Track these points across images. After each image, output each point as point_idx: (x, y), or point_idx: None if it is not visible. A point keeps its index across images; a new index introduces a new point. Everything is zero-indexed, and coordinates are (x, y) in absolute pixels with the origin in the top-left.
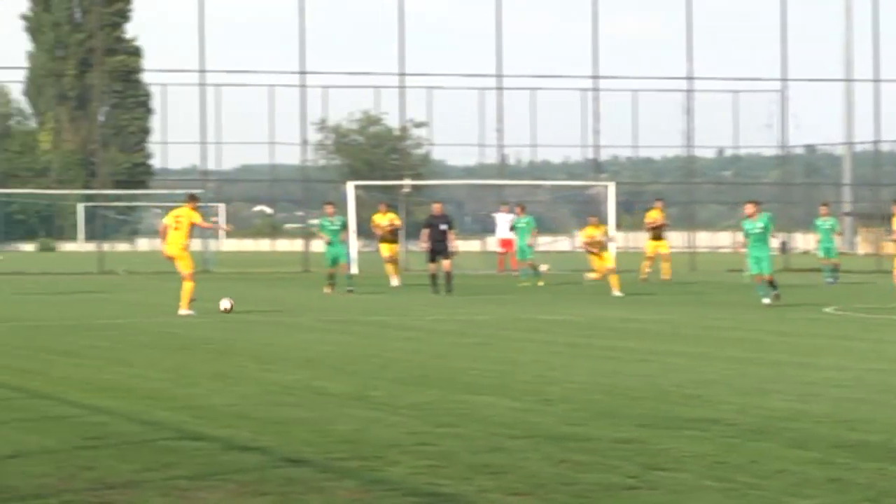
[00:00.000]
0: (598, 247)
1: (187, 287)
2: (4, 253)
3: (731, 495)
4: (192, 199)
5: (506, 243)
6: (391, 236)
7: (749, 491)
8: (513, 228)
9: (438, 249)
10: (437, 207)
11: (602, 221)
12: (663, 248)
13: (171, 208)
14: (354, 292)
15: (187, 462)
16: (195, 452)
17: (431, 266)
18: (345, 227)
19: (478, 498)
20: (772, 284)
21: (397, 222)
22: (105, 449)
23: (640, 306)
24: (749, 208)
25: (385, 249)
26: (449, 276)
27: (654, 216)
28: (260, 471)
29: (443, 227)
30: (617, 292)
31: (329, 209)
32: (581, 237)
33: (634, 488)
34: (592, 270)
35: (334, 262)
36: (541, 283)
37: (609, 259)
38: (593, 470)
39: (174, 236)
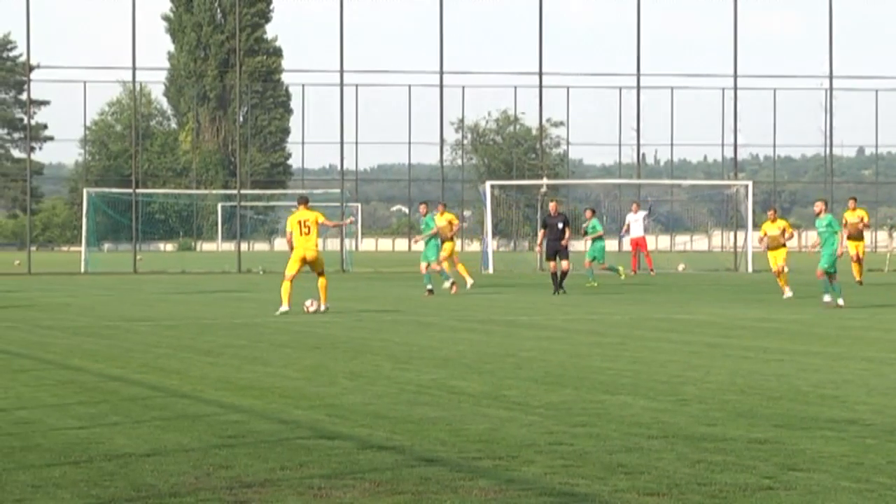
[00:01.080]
0: (774, 242)
1: (325, 282)
2: (144, 253)
3: (868, 496)
4: (306, 200)
5: (638, 242)
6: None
7: (886, 492)
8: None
9: (556, 248)
10: (553, 206)
11: (781, 216)
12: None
13: (312, 208)
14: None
15: (323, 461)
16: (330, 451)
17: (552, 265)
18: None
19: (612, 498)
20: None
21: (455, 222)
22: (241, 447)
23: (777, 306)
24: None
25: (446, 249)
26: (564, 274)
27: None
28: (394, 470)
29: (560, 225)
30: (788, 293)
31: (422, 209)
32: (759, 233)
33: (770, 489)
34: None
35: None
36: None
37: (781, 258)
38: (729, 470)
39: (310, 240)
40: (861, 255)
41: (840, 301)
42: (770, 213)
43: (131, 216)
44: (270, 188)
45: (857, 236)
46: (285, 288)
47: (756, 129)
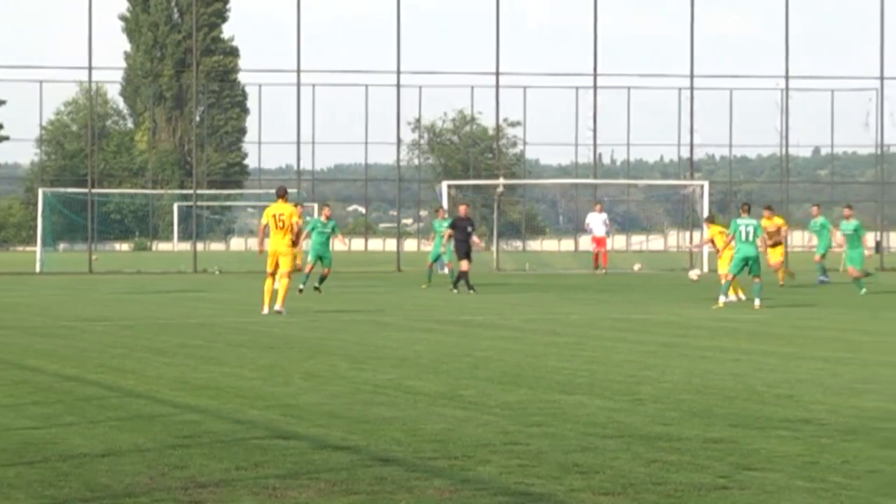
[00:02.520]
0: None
1: (286, 284)
2: (100, 253)
3: (823, 496)
4: (284, 192)
5: (599, 241)
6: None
7: (840, 491)
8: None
9: (465, 249)
10: (462, 209)
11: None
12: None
13: (265, 207)
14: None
15: (278, 461)
16: (286, 451)
17: (462, 264)
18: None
19: (568, 497)
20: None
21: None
22: (196, 448)
23: (733, 306)
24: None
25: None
26: (464, 274)
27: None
28: (350, 470)
29: (468, 228)
30: (741, 295)
31: (441, 213)
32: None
33: (725, 488)
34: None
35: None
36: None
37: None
38: (684, 469)
39: (284, 235)
40: (780, 262)
41: (757, 302)
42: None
43: (87, 216)
44: (227, 188)
45: (774, 244)
46: (267, 287)
47: (712, 130)
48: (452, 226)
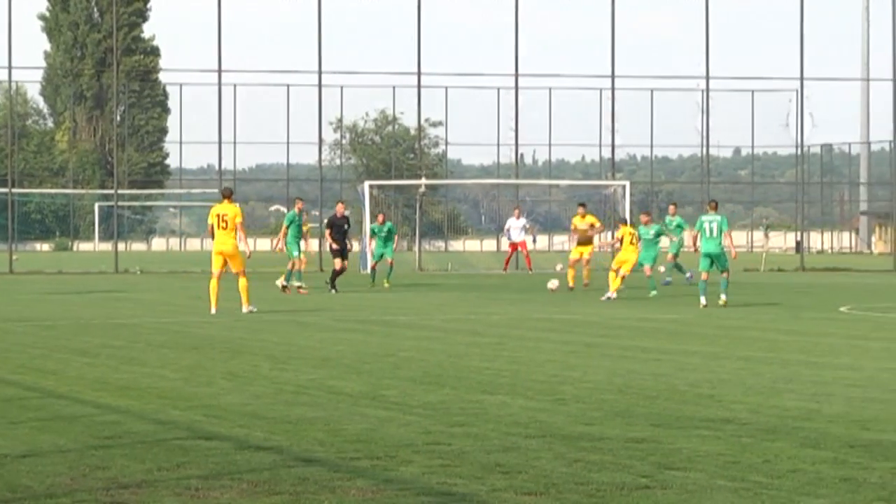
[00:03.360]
0: (584, 237)
1: (245, 283)
2: (20, 253)
3: (744, 495)
4: (229, 193)
5: (518, 245)
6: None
7: (762, 490)
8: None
9: (339, 249)
10: (339, 208)
11: (589, 212)
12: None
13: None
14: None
15: (200, 461)
16: (208, 452)
17: (336, 262)
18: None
19: (490, 497)
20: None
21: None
22: (118, 448)
23: (655, 306)
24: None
25: (576, 252)
26: (337, 273)
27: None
28: (272, 470)
29: (345, 227)
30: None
31: (379, 217)
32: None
33: (647, 487)
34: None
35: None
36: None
37: (585, 252)
38: (606, 469)
39: (228, 235)
40: (588, 259)
41: (723, 297)
42: (580, 208)
43: (7, 216)
44: (148, 188)
45: (585, 242)
46: (212, 287)
47: (633, 130)
48: (330, 225)
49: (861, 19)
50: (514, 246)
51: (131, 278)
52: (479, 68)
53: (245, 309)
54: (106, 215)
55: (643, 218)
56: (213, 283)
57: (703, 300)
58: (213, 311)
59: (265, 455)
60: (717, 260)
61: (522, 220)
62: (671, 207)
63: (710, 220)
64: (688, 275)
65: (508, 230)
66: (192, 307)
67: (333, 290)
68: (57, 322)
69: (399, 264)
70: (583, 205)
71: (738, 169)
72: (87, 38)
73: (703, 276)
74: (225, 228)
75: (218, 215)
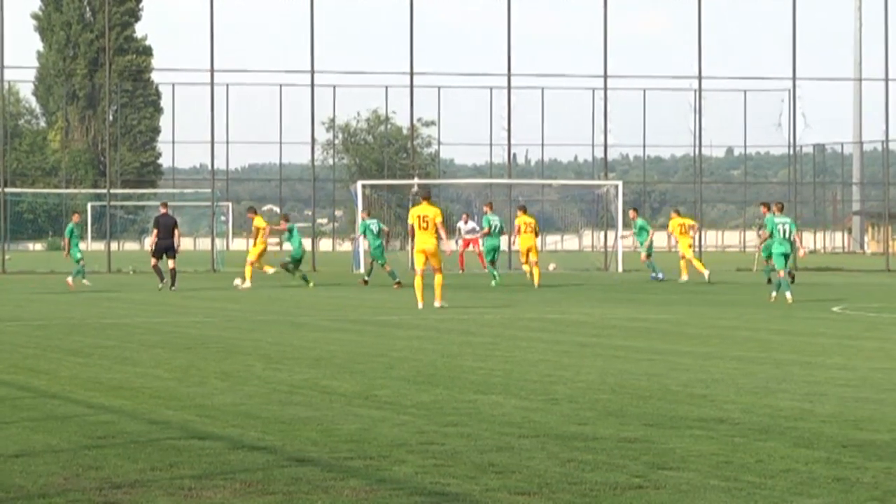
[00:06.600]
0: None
1: (441, 279)
2: (13, 252)
3: (737, 495)
4: (429, 194)
5: (467, 242)
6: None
7: (755, 490)
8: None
9: (166, 246)
10: (162, 209)
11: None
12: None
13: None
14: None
15: (193, 461)
16: (201, 452)
17: (156, 261)
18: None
19: (484, 497)
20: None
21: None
22: (111, 448)
23: (648, 306)
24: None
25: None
26: (174, 272)
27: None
28: (266, 470)
29: (172, 226)
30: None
31: (363, 214)
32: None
33: (640, 487)
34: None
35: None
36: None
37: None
38: (599, 469)
39: (429, 234)
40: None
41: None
42: (519, 210)
43: None
44: (140, 188)
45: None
46: (417, 284)
47: (626, 130)
48: (156, 224)
49: (853, 19)
50: (466, 243)
51: (124, 278)
52: (471, 68)
53: (437, 304)
54: (98, 215)
55: (631, 214)
56: (418, 281)
57: (788, 296)
58: (420, 305)
59: (258, 455)
60: (787, 259)
61: (471, 224)
62: (632, 212)
63: (783, 222)
64: (659, 275)
65: (459, 232)
66: (184, 307)
67: (172, 287)
68: (49, 322)
69: (391, 264)
70: (522, 207)
71: (730, 169)
72: (80, 37)
73: (780, 273)
74: (426, 229)
75: (419, 216)
